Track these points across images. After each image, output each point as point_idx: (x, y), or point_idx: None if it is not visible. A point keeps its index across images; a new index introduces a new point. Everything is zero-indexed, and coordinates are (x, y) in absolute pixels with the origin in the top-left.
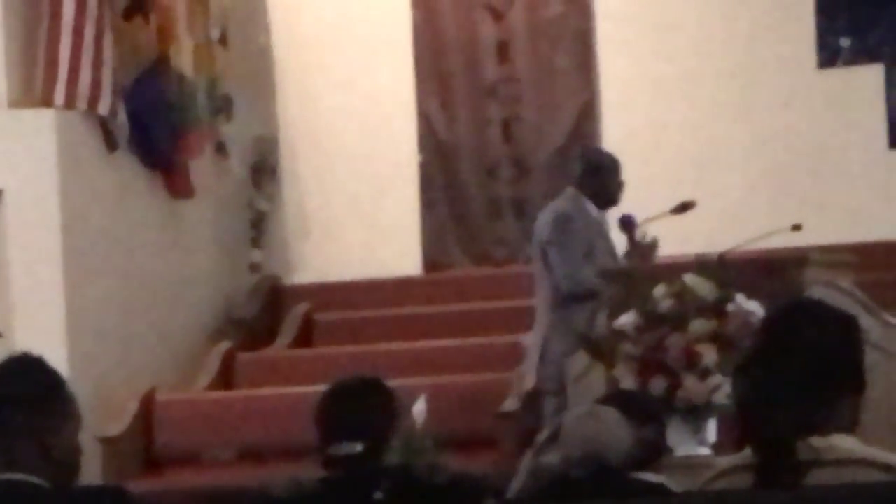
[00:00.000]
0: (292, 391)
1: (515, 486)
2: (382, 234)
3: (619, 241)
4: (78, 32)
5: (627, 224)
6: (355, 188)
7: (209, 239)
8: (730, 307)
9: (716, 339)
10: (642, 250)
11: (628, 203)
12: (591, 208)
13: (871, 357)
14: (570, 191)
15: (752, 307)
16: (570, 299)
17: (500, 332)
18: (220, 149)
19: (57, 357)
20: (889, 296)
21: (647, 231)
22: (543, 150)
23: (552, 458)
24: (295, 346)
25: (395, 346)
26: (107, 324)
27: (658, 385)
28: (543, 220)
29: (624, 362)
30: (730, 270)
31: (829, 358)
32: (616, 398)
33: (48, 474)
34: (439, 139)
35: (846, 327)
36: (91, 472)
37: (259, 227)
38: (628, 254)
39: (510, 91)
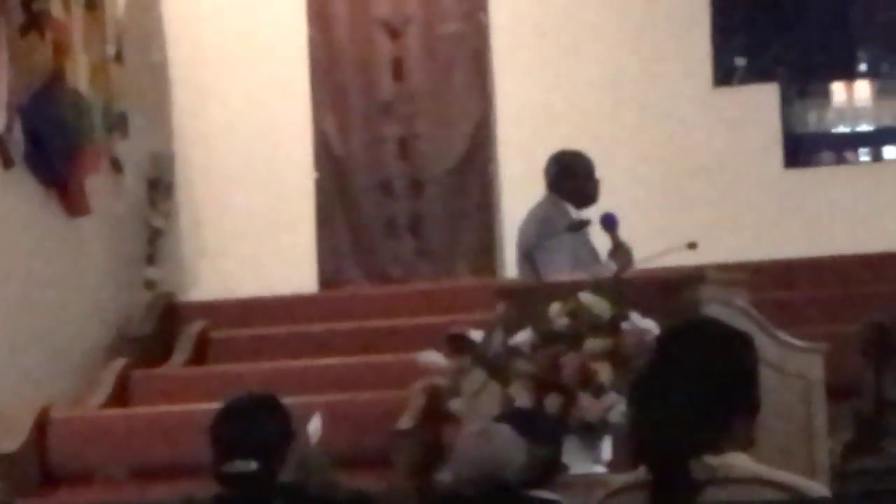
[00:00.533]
0: (187, 409)
1: None
2: (278, 252)
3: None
4: None
5: (609, 223)
6: (251, 205)
7: (105, 256)
8: (625, 325)
9: (611, 357)
10: (624, 249)
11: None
12: (570, 210)
13: (766, 376)
14: (547, 195)
15: (648, 325)
16: None
17: (396, 349)
18: (116, 166)
19: None
20: (785, 315)
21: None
22: (439, 167)
23: (445, 476)
24: (190, 364)
25: (291, 363)
26: (1, 340)
27: (553, 403)
28: (526, 226)
29: (519, 380)
30: (625, 289)
31: (724, 376)
32: (511, 416)
33: None
34: (335, 156)
35: (741, 346)
36: None
37: (155, 244)
38: (611, 253)
39: (406, 108)
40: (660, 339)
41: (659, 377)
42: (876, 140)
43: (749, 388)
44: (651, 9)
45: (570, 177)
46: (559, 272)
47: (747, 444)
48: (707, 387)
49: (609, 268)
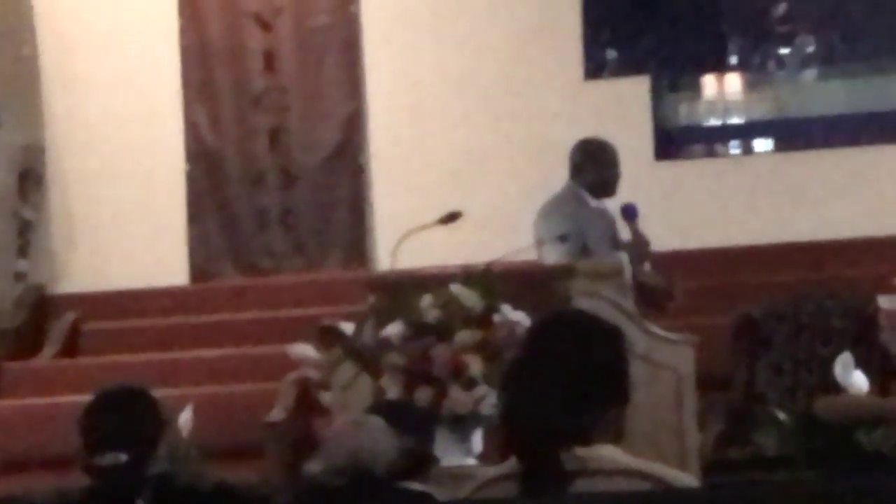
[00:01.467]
0: (58, 401)
1: None
2: (149, 244)
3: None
4: None
5: (629, 213)
6: (122, 197)
7: None
8: (496, 317)
9: (482, 349)
10: (641, 241)
11: (395, 213)
12: (589, 199)
13: (636, 368)
14: (567, 184)
15: (519, 318)
16: None
17: (268, 342)
18: None
19: None
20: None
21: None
22: (311, 159)
23: (314, 466)
24: (61, 356)
25: (162, 355)
26: None
27: (424, 395)
28: (538, 218)
29: (390, 372)
30: (496, 281)
31: (594, 369)
32: (382, 408)
33: None
34: (206, 148)
35: (611, 338)
36: None
37: (25, 235)
38: (629, 244)
39: (277, 100)
40: (530, 332)
41: (529, 369)
42: (746, 133)
43: (619, 381)
44: (522, 1)
45: (591, 166)
46: (563, 260)
47: (617, 436)
48: (577, 379)
49: (618, 258)
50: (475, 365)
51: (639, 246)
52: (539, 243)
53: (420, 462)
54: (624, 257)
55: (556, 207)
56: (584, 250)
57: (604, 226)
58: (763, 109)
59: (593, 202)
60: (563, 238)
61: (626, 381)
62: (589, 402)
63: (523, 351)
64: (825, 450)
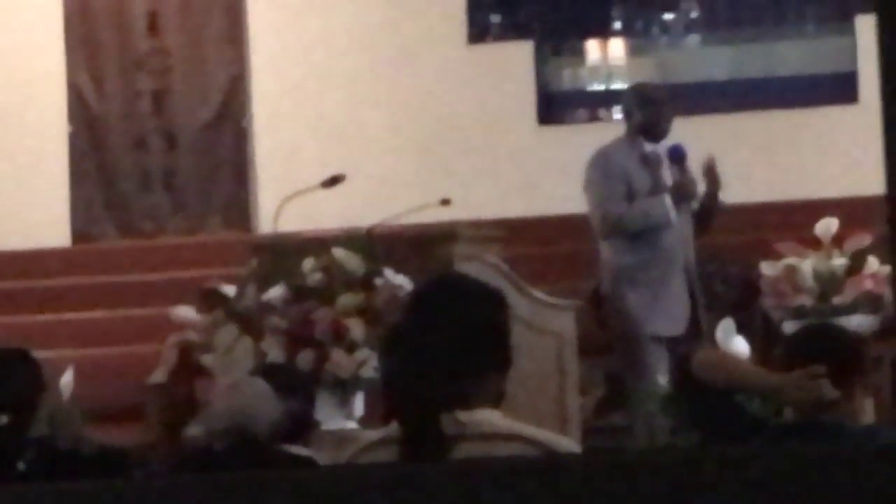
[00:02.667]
0: None
1: None
2: (31, 205)
3: None
4: None
5: (675, 155)
6: (3, 159)
7: None
8: (378, 281)
9: (364, 313)
10: (686, 182)
11: (278, 176)
12: (642, 143)
13: (518, 333)
14: (625, 130)
15: (401, 281)
16: (606, 240)
17: (150, 304)
18: None
19: None
20: (538, 271)
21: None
22: (193, 122)
23: (197, 430)
24: None
25: (43, 317)
26: None
27: (306, 358)
28: (587, 163)
29: (271, 335)
30: (378, 245)
31: (476, 333)
32: (263, 371)
33: None
34: (89, 111)
35: (492, 303)
36: None
37: None
38: (673, 186)
39: (160, 63)
40: (412, 295)
41: (411, 333)
42: None
43: (501, 345)
44: None
45: (637, 110)
46: (607, 204)
47: (499, 400)
48: (459, 343)
49: (659, 201)
50: (357, 328)
51: (682, 187)
52: (584, 188)
53: (301, 425)
54: (667, 199)
55: (602, 153)
56: (630, 195)
57: (649, 169)
58: (646, 74)
59: (648, 146)
60: (606, 181)
61: (508, 345)
62: (470, 366)
63: (405, 315)
64: (704, 413)
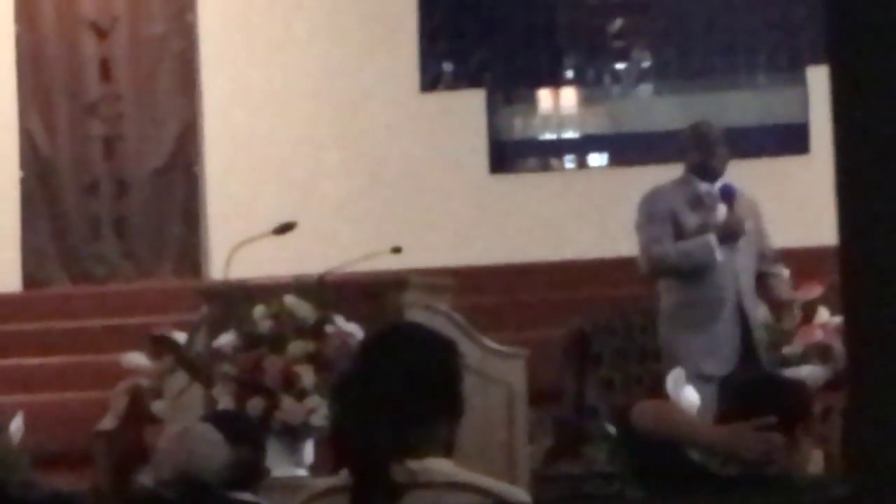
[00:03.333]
0: None
1: None
2: None
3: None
4: None
5: (724, 194)
6: None
7: None
8: (329, 329)
9: (314, 360)
10: (731, 222)
11: (230, 223)
12: (697, 182)
13: (468, 381)
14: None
15: (352, 329)
16: (656, 280)
17: (100, 350)
18: None
19: None
20: (488, 320)
21: None
22: (145, 168)
23: (145, 478)
24: None
25: None
26: None
27: (256, 405)
28: (640, 200)
29: (222, 382)
30: (329, 292)
31: (427, 381)
32: (213, 418)
33: None
34: (41, 156)
35: (443, 351)
36: None
37: None
38: (720, 226)
39: (112, 109)
40: (363, 343)
41: (361, 381)
42: (581, 147)
43: (452, 394)
44: (358, 12)
45: (694, 149)
46: (652, 244)
47: (450, 449)
48: (409, 391)
49: (705, 241)
50: (307, 376)
51: (729, 227)
52: (635, 227)
53: (251, 472)
54: (712, 239)
55: (652, 193)
56: (678, 234)
57: (699, 209)
58: (598, 124)
59: (703, 185)
60: (653, 221)
61: (460, 394)
62: (421, 414)
63: (356, 362)
64: (647, 464)
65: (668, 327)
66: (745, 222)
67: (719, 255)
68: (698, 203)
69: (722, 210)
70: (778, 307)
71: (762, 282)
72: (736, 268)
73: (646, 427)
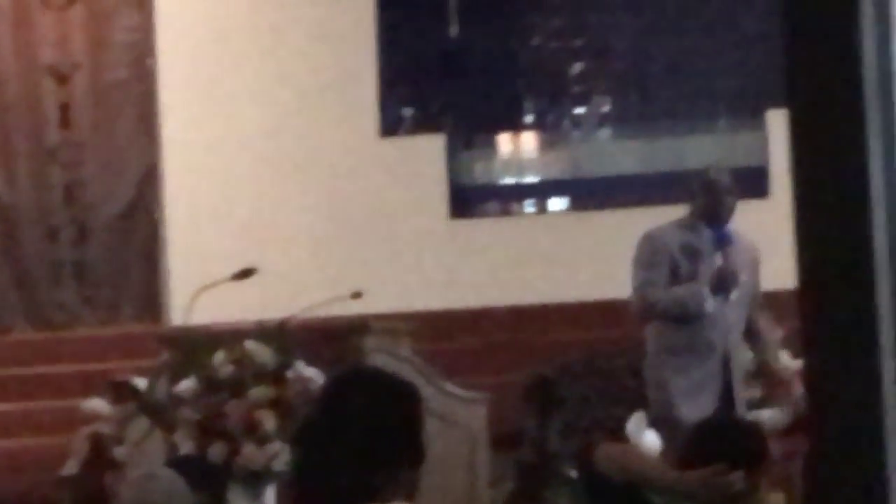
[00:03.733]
0: None
1: None
2: None
3: None
4: None
5: (719, 241)
6: None
7: None
8: (290, 374)
9: (275, 405)
10: (723, 271)
11: (190, 269)
12: (700, 228)
13: (430, 425)
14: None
15: (312, 374)
16: (645, 321)
17: (60, 396)
18: None
19: None
20: (449, 364)
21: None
22: (105, 214)
23: None
24: None
25: None
26: None
27: (217, 451)
28: (638, 241)
29: (183, 428)
30: (290, 337)
31: (388, 426)
32: (175, 463)
33: None
34: (1, 202)
35: (405, 396)
36: None
37: None
38: (713, 274)
39: (72, 155)
40: (323, 388)
41: (323, 426)
42: (541, 192)
43: (413, 439)
44: (318, 58)
45: (700, 194)
46: (646, 287)
47: (411, 494)
48: (371, 436)
49: (693, 289)
50: (269, 421)
51: (722, 276)
52: (633, 262)
53: None
54: (704, 288)
55: (649, 235)
56: (674, 279)
57: (697, 257)
58: (558, 168)
59: (706, 231)
60: (650, 263)
61: (421, 439)
62: (383, 459)
63: (317, 407)
64: None
65: (653, 370)
66: (739, 273)
67: (710, 305)
68: (696, 249)
69: (718, 259)
70: (764, 347)
71: (749, 325)
72: (727, 317)
73: (609, 469)
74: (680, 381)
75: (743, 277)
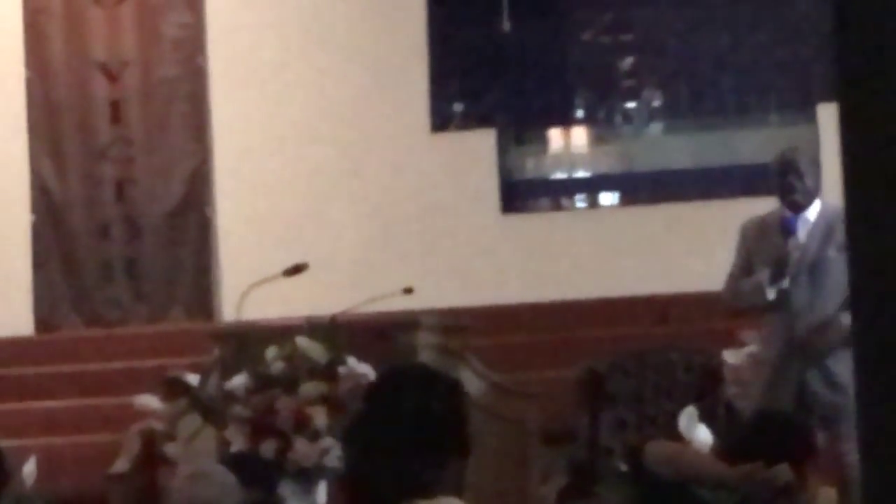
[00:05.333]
0: None
1: None
2: None
3: None
4: None
5: (783, 228)
6: None
7: None
8: (341, 370)
9: (327, 401)
10: (780, 256)
11: (241, 265)
12: (780, 215)
13: (481, 420)
14: None
15: (364, 370)
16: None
17: (113, 393)
18: None
19: None
20: (500, 360)
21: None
22: (156, 211)
23: None
24: None
25: (7, 406)
26: None
27: (269, 447)
28: None
29: (235, 424)
30: (342, 333)
31: (435, 421)
32: (227, 460)
33: None
34: (52, 199)
35: (451, 391)
36: None
37: None
38: (772, 260)
39: (123, 152)
40: (372, 385)
41: (372, 422)
42: (592, 186)
43: (459, 433)
44: (368, 54)
45: (777, 175)
46: (728, 279)
47: (459, 488)
48: (418, 431)
49: (755, 281)
50: (320, 417)
51: (776, 264)
52: None
53: None
54: (763, 276)
55: (748, 221)
56: (750, 267)
57: (768, 244)
58: (609, 163)
59: (790, 214)
60: (737, 253)
61: (466, 433)
62: (431, 454)
63: (366, 404)
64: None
65: (750, 365)
66: (809, 255)
67: (771, 294)
68: (768, 236)
69: (784, 245)
70: None
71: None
72: (798, 302)
73: (658, 466)
74: (758, 372)
75: (830, 252)
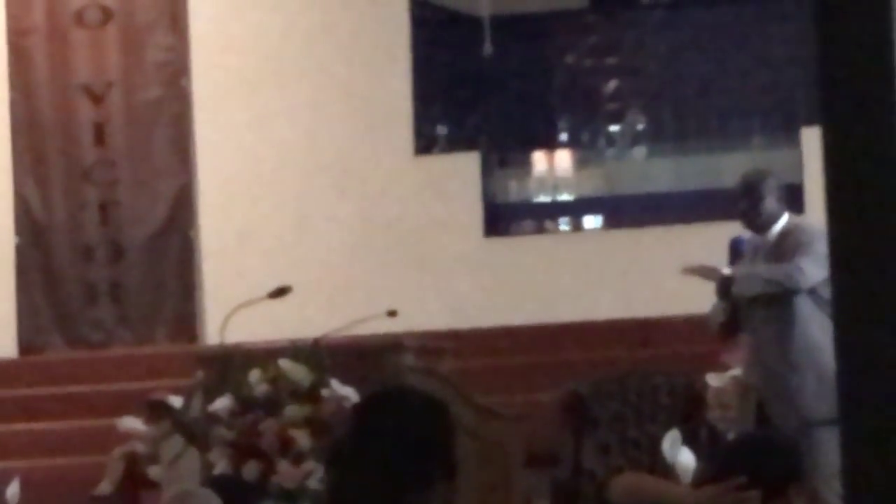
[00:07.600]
0: None
1: None
2: None
3: None
4: None
5: (731, 249)
6: None
7: None
8: (324, 392)
9: (310, 424)
10: (721, 276)
11: (225, 288)
12: (745, 234)
13: (464, 444)
14: None
15: (347, 392)
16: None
17: (96, 415)
18: None
19: None
20: (484, 383)
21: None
22: (140, 233)
23: None
24: None
25: None
26: None
27: (252, 470)
28: None
29: (218, 447)
30: (325, 356)
31: (420, 444)
32: (210, 482)
33: None
34: (35, 221)
35: (436, 414)
36: None
37: None
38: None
39: (107, 174)
40: (356, 408)
41: (357, 444)
42: (576, 210)
43: (445, 456)
44: (352, 77)
45: (739, 197)
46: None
47: None
48: (403, 454)
49: (715, 303)
50: (303, 440)
51: (721, 283)
52: None
53: None
54: (718, 300)
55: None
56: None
57: (739, 262)
58: (592, 186)
59: (755, 237)
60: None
61: (453, 456)
62: (416, 477)
63: (351, 426)
64: None
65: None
66: (728, 278)
67: (719, 315)
68: (736, 255)
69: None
70: None
71: None
72: (758, 329)
73: (621, 499)
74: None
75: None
